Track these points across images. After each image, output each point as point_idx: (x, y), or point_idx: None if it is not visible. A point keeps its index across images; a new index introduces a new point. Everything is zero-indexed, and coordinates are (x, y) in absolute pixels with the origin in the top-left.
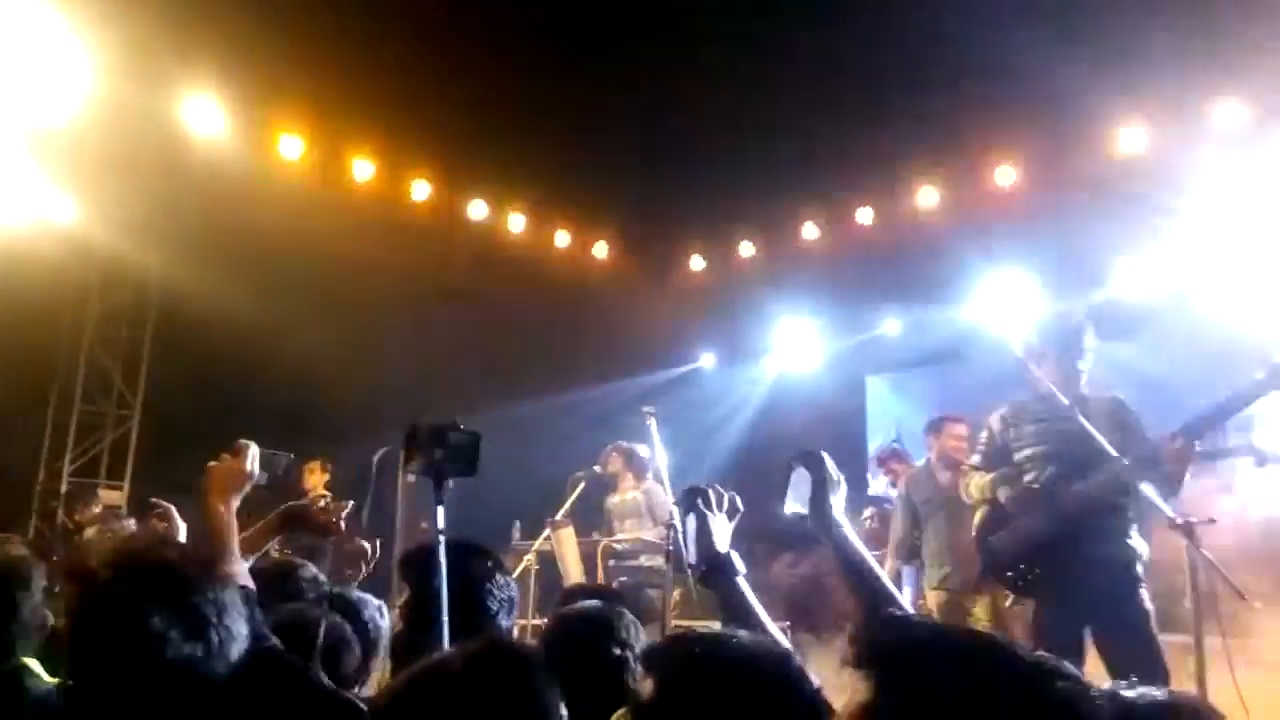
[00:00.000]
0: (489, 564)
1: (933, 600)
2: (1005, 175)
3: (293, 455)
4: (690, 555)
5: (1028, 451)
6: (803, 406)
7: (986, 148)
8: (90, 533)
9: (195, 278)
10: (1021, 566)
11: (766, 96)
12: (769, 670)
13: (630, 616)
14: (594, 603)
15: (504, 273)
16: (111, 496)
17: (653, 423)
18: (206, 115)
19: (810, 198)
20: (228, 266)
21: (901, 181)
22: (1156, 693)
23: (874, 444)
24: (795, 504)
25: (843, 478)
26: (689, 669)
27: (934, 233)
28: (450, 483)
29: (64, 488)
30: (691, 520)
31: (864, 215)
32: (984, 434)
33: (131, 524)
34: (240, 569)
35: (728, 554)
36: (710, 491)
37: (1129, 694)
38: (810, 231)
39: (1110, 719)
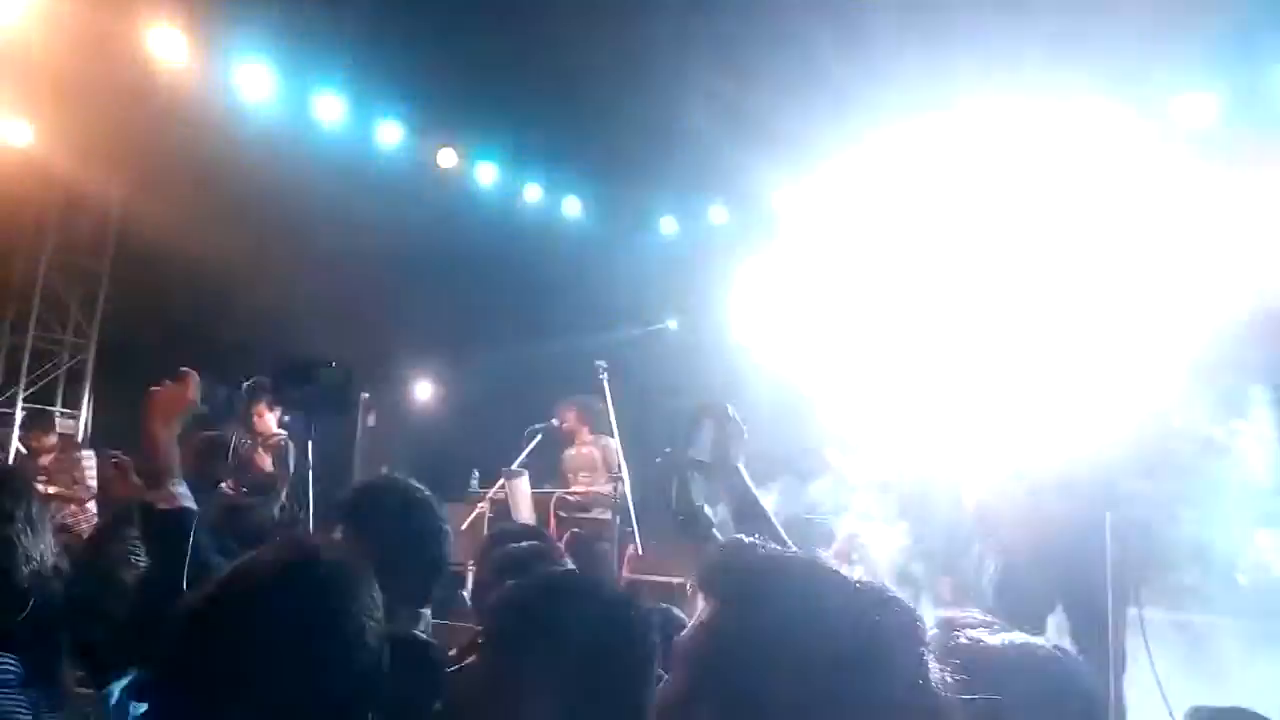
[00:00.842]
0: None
1: None
2: None
3: (240, 387)
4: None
5: None
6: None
7: None
8: (46, 460)
9: (157, 209)
10: None
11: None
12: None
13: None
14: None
15: (471, 223)
16: (67, 425)
17: (605, 377)
18: (171, 44)
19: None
20: (190, 199)
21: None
22: (1014, 638)
23: None
24: (699, 453)
25: (745, 427)
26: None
27: None
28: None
29: (18, 414)
30: (708, 426)
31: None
32: None
33: (89, 455)
34: (182, 490)
35: (738, 466)
36: (731, 408)
37: (980, 634)
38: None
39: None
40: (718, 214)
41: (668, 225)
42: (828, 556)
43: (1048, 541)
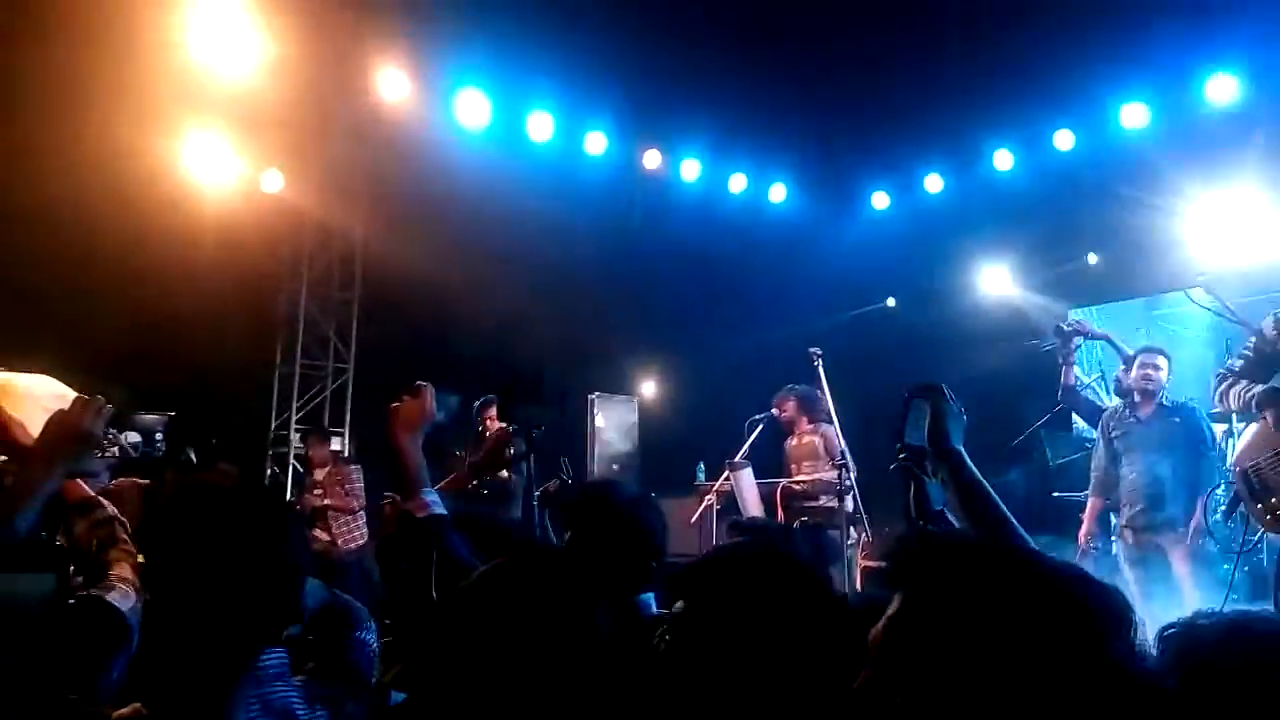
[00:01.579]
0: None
1: (1125, 539)
2: (1223, 88)
3: (461, 398)
4: (908, 438)
5: None
6: (999, 344)
7: (1201, 58)
8: (320, 474)
9: (395, 240)
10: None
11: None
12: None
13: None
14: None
15: (680, 220)
16: (333, 442)
17: (820, 364)
18: (395, 81)
19: (1002, 123)
20: (423, 227)
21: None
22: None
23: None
24: (915, 437)
25: (963, 409)
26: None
27: (1142, 155)
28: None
29: (293, 435)
30: (923, 409)
31: (1063, 140)
32: (1251, 339)
33: (356, 469)
34: (432, 498)
35: (959, 449)
36: (946, 388)
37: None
38: (1004, 161)
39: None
40: (933, 183)
41: (880, 200)
42: None
43: None
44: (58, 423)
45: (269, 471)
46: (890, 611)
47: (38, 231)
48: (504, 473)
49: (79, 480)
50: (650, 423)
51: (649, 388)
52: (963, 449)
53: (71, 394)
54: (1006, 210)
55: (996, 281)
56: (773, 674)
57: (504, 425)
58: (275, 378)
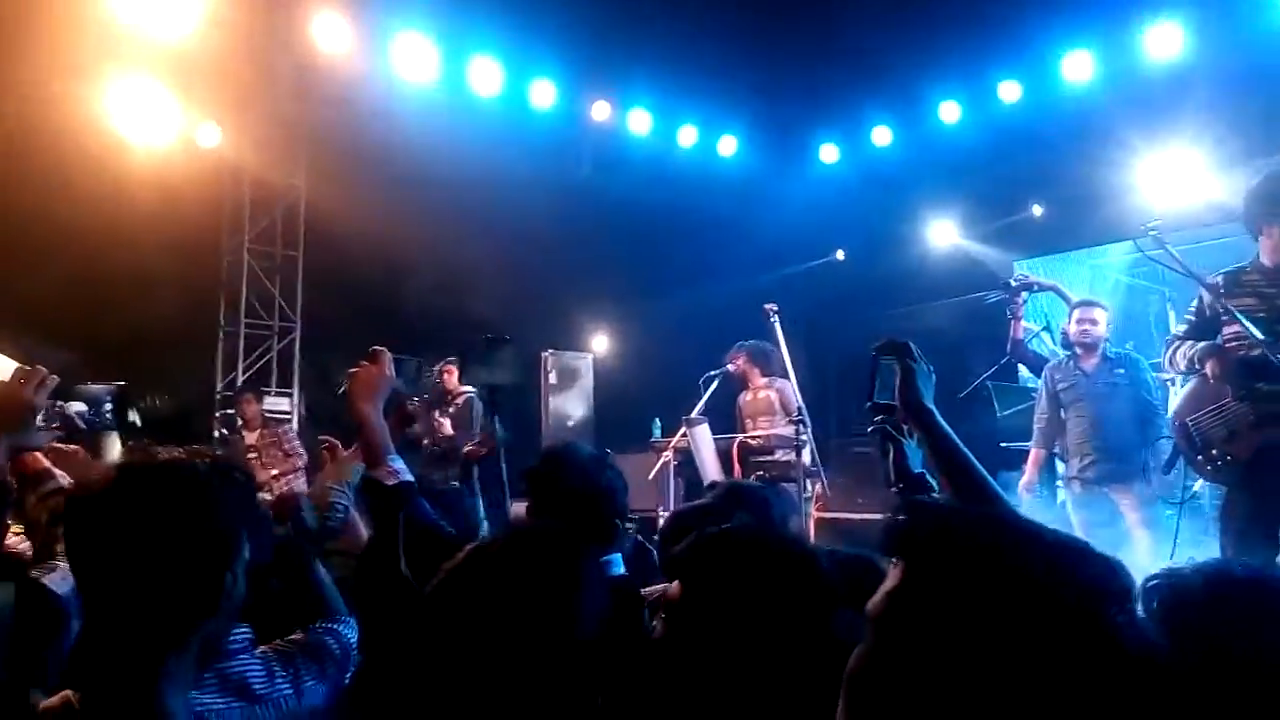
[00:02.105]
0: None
1: (1072, 490)
2: (1165, 38)
3: (419, 360)
4: (877, 397)
5: (1237, 328)
6: (946, 296)
7: (1143, 6)
8: (253, 438)
9: (339, 196)
10: (1218, 450)
11: None
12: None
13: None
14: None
15: (630, 173)
16: (281, 403)
17: (776, 320)
18: (334, 29)
19: (949, 75)
20: (366, 180)
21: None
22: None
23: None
24: (883, 395)
25: (932, 366)
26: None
27: (1086, 106)
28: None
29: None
30: (890, 367)
31: (1008, 92)
32: (1193, 303)
33: (289, 427)
34: (399, 465)
35: (931, 408)
36: (911, 346)
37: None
38: (950, 113)
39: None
40: (881, 135)
41: (828, 153)
42: None
43: None
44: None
45: (216, 434)
46: (890, 584)
47: None
48: (449, 431)
49: (36, 453)
50: (604, 379)
51: (602, 343)
52: (934, 407)
53: (10, 365)
54: (953, 162)
55: (943, 233)
56: (774, 659)
57: (465, 391)
58: (220, 339)
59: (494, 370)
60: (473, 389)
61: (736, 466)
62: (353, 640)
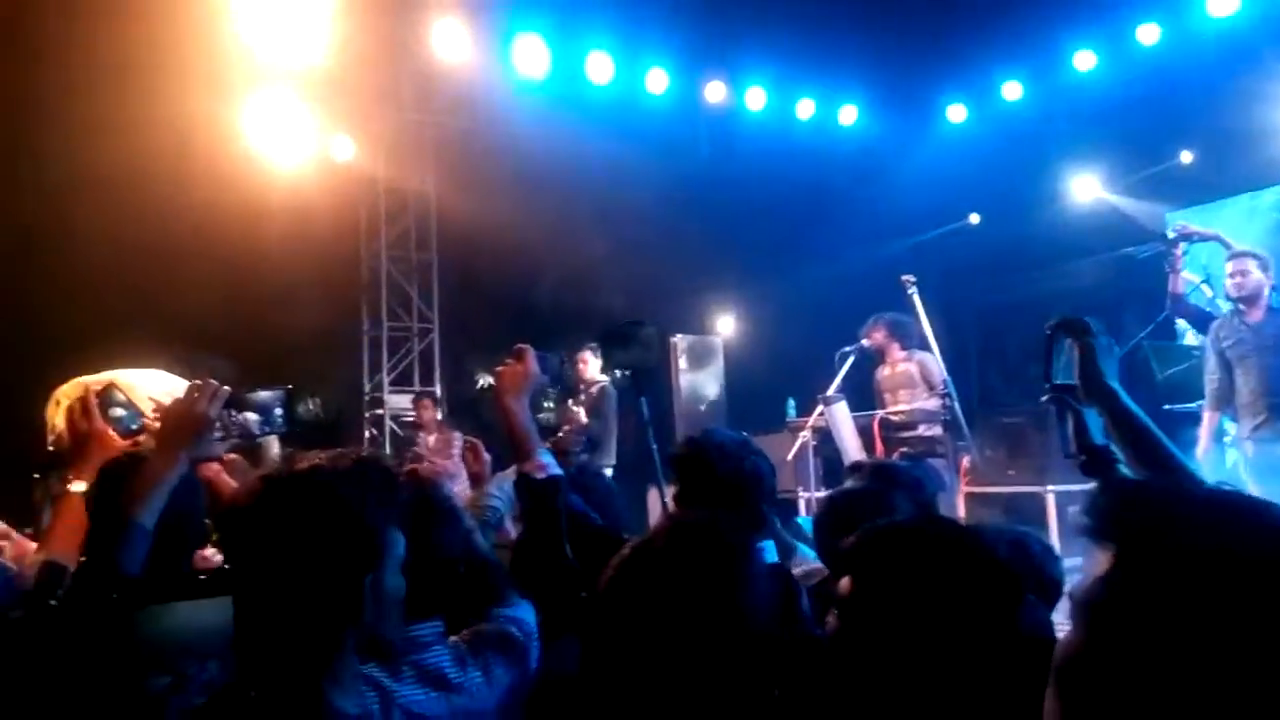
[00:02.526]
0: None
1: (1245, 451)
2: None
3: (562, 355)
4: (1056, 377)
5: None
6: (1092, 255)
7: None
8: (430, 439)
9: (466, 197)
10: None
11: None
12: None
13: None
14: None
15: (748, 152)
16: (425, 401)
17: (914, 291)
18: (451, 38)
19: (1081, 21)
20: (491, 182)
21: None
22: None
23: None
24: (1061, 375)
25: (1113, 341)
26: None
27: (1233, 41)
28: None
29: (387, 398)
30: (1068, 345)
31: (1147, 34)
32: None
33: (458, 436)
34: (547, 459)
35: (1116, 388)
36: (1091, 321)
37: None
38: (1085, 61)
39: None
40: (1012, 90)
41: (956, 113)
42: None
43: None
44: (173, 410)
45: (367, 434)
46: (1101, 570)
47: (113, 215)
48: (583, 419)
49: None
50: (734, 361)
51: (731, 325)
52: (1119, 386)
53: (182, 385)
54: (1091, 113)
55: (1086, 189)
56: (959, 656)
57: (600, 380)
58: (364, 342)
59: (635, 353)
60: (606, 379)
61: (878, 444)
62: (533, 626)
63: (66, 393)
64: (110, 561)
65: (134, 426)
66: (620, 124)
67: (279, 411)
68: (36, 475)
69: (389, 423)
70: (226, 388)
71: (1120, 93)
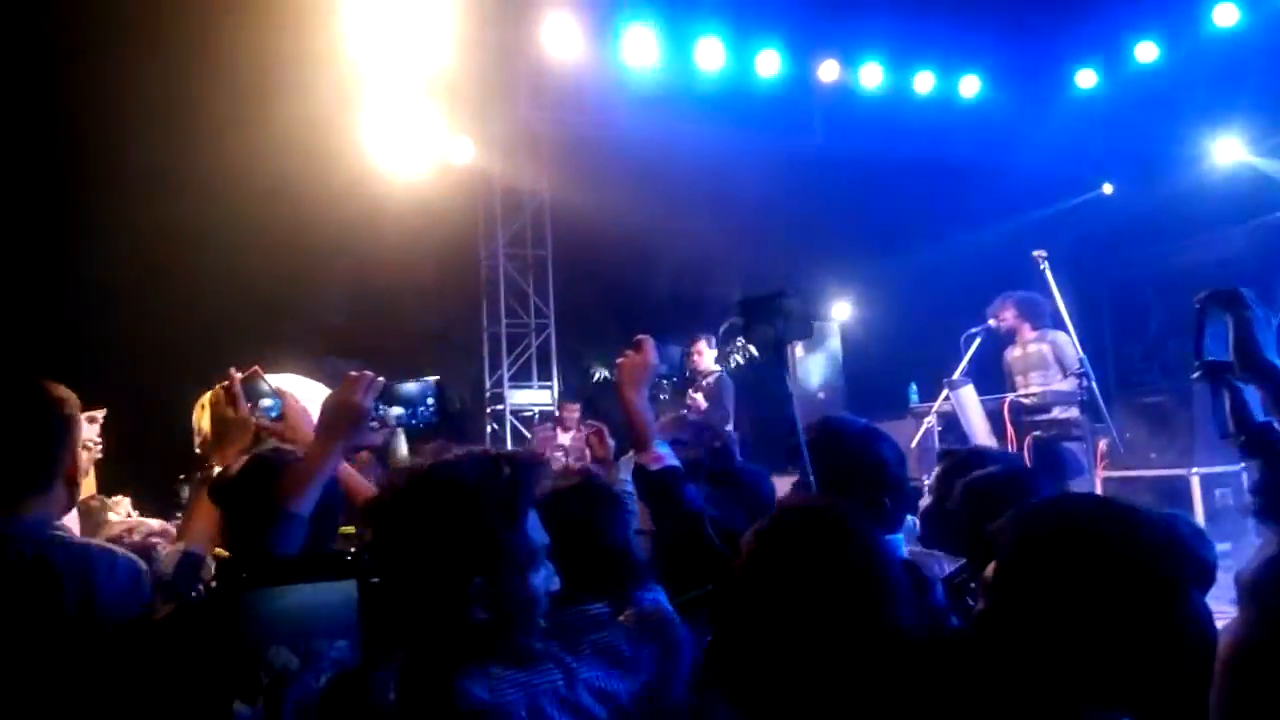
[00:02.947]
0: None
1: None
2: None
3: (682, 347)
4: (1207, 354)
5: None
6: (1237, 221)
7: None
8: (567, 438)
9: (579, 193)
10: None
11: None
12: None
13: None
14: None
15: (864, 131)
16: (542, 395)
17: (1046, 267)
18: (562, 35)
19: None
20: (604, 177)
21: None
22: None
23: None
24: (1213, 351)
25: (1269, 312)
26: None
27: None
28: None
29: (506, 392)
30: (1219, 318)
31: None
32: None
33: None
34: (665, 450)
35: (1274, 363)
36: (1245, 292)
37: None
38: (1226, 16)
39: None
40: (1145, 52)
41: (1085, 79)
42: None
43: None
44: (332, 403)
45: (489, 429)
46: (1271, 551)
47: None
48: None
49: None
50: (852, 346)
51: (849, 310)
52: (1276, 358)
53: (306, 384)
54: (1233, 71)
55: (1227, 151)
56: (1121, 644)
57: (714, 370)
58: (484, 339)
59: (783, 324)
60: (720, 368)
61: (1009, 428)
62: (671, 609)
63: (211, 399)
64: (266, 552)
65: (275, 415)
66: (732, 110)
67: (430, 402)
68: (182, 477)
69: (509, 418)
70: (381, 379)
71: (1262, 48)
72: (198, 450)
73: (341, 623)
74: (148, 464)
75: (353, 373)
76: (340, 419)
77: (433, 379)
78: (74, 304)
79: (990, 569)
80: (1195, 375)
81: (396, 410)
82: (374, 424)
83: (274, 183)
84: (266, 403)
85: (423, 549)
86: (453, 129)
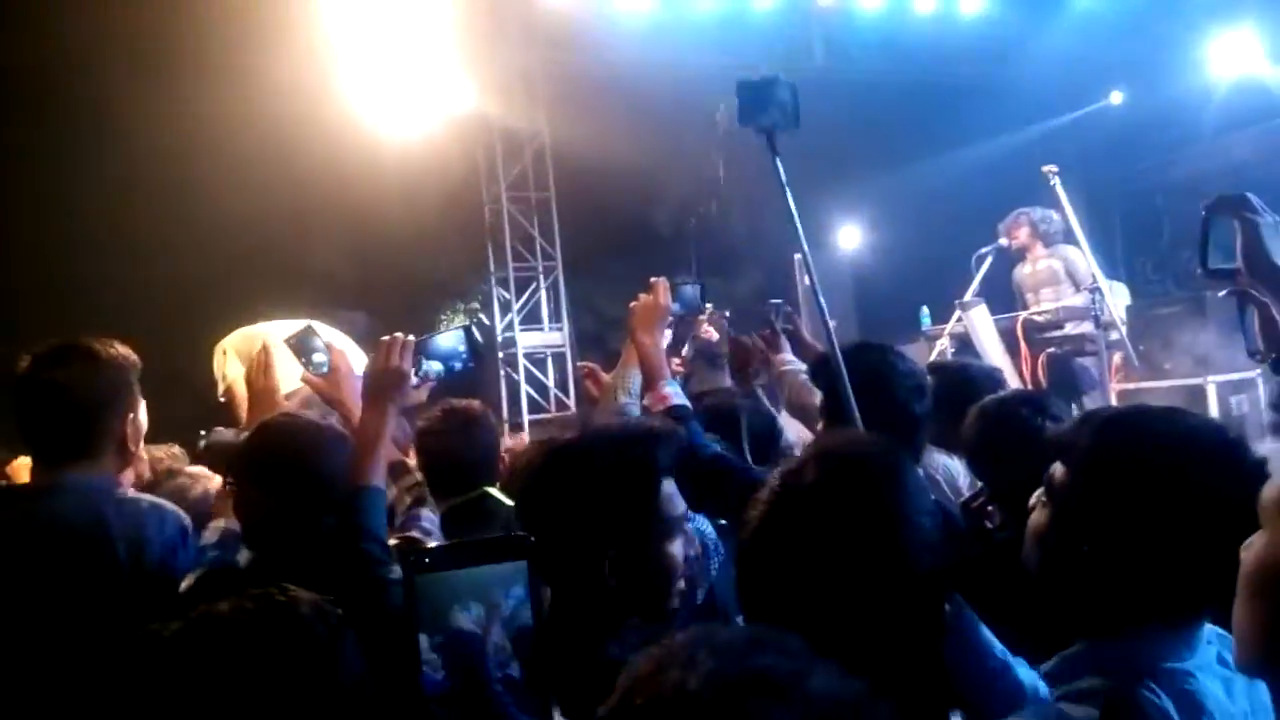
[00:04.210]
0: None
1: None
2: None
3: (700, 283)
4: (1213, 261)
5: None
6: (1249, 125)
7: None
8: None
9: (578, 131)
10: None
11: None
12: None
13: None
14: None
15: (865, 54)
16: (554, 337)
17: (1057, 182)
18: None
19: None
20: (601, 114)
21: None
22: None
23: None
24: (1219, 259)
25: (1278, 218)
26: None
27: None
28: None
29: (516, 336)
30: (1226, 225)
31: None
32: None
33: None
34: (673, 388)
35: None
36: (1253, 197)
37: None
38: None
39: None
40: None
41: None
42: None
43: None
44: (373, 371)
45: (502, 374)
46: None
47: (242, 173)
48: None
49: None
50: (861, 271)
51: (857, 236)
52: None
53: (331, 332)
54: None
55: (1235, 55)
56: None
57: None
58: (492, 284)
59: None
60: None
61: (1023, 346)
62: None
63: (233, 344)
64: (358, 527)
65: (325, 370)
66: (728, 41)
67: (463, 350)
68: (204, 433)
69: (522, 360)
70: (412, 338)
71: None
72: (221, 398)
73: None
74: (157, 414)
75: (384, 338)
76: (385, 385)
77: (461, 326)
78: (73, 252)
79: (1059, 472)
80: (1223, 292)
81: (435, 366)
82: (415, 383)
83: (270, 133)
84: (319, 358)
85: (559, 524)
86: (448, 74)
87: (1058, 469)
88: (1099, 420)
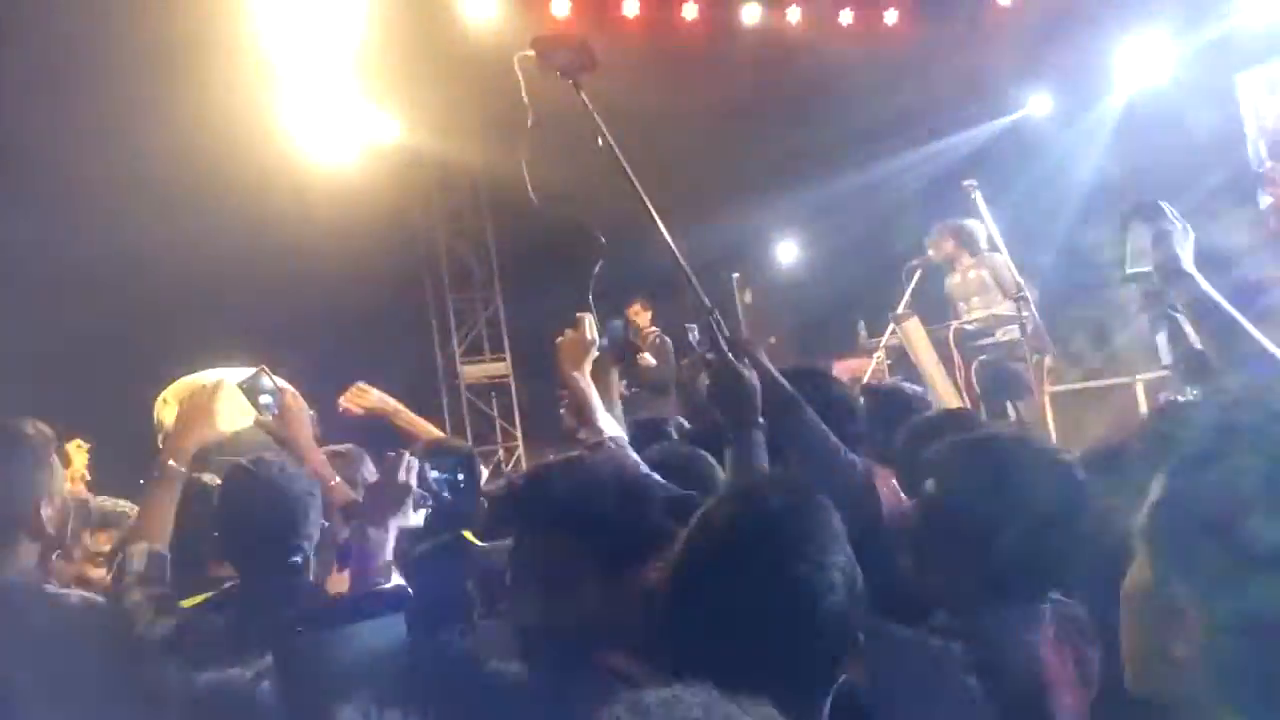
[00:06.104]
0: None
1: None
2: None
3: (622, 321)
4: (1130, 265)
5: None
6: (1162, 135)
7: None
8: None
9: (515, 160)
10: None
11: None
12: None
13: None
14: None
15: (788, 72)
16: (497, 368)
17: (977, 195)
18: (481, 6)
19: None
20: (539, 141)
21: None
22: None
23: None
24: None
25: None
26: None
27: None
28: None
29: (459, 368)
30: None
31: None
32: None
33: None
34: (608, 425)
35: (1192, 272)
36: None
37: None
38: None
39: None
40: None
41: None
42: None
43: None
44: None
45: (444, 402)
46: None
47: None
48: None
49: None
50: (798, 288)
51: (794, 252)
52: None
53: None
54: None
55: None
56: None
57: (653, 330)
58: (431, 317)
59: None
60: (657, 329)
61: (955, 355)
62: None
63: (175, 393)
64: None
65: (276, 413)
66: (652, 58)
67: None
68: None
69: (464, 393)
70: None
71: None
72: (161, 444)
73: None
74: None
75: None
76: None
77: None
78: None
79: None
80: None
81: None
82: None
83: (192, 175)
84: (265, 399)
85: (548, 545)
86: (379, 106)
87: (929, 483)
88: (959, 445)
